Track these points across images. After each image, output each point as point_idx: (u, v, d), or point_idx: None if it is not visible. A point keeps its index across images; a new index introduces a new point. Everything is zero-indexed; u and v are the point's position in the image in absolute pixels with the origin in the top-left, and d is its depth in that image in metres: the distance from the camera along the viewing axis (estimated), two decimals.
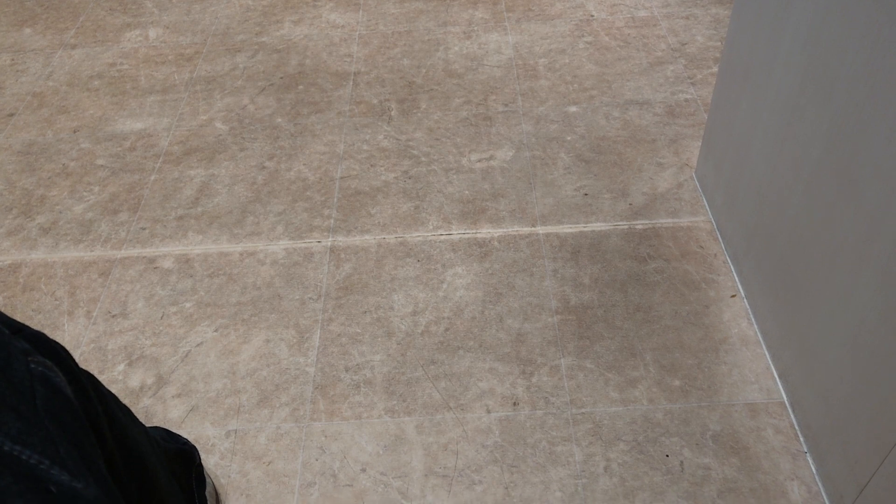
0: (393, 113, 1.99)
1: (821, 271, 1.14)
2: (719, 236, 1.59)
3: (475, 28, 2.30)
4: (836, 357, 1.12)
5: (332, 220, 1.69)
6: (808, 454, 1.22)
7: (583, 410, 1.31)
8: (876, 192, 0.98)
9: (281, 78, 2.14)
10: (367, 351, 1.43)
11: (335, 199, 1.75)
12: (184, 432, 1.32)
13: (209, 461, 1.28)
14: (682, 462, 1.23)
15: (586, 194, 1.72)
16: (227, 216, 1.73)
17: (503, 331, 1.44)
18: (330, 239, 1.65)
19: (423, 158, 1.84)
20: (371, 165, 1.83)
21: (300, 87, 2.10)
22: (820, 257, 1.14)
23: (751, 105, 1.38)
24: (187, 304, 1.54)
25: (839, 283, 1.09)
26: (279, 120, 1.99)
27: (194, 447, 1.19)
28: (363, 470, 1.25)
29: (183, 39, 2.34)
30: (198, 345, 1.46)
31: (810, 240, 1.17)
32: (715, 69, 2.07)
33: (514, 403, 1.33)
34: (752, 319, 1.43)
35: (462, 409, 1.32)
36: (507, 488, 1.21)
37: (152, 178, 1.85)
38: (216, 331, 1.48)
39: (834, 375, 1.13)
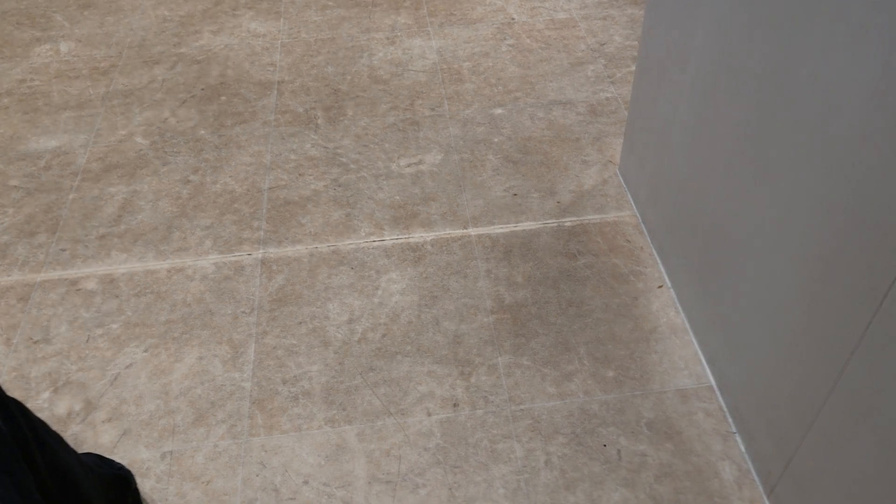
0: (319, 121, 1.98)
1: (740, 258, 1.19)
2: (644, 229, 1.64)
3: (398, 34, 2.31)
4: (757, 339, 1.17)
5: (261, 232, 1.67)
6: (736, 435, 1.28)
7: (521, 407, 1.33)
8: (787, 179, 1.03)
9: (202, 89, 2.10)
10: (303, 362, 1.41)
11: (264, 211, 1.72)
12: (116, 457, 1.28)
13: (145, 485, 1.24)
14: (619, 451, 1.26)
15: (515, 194, 1.75)
16: (153, 233, 1.68)
17: (440, 333, 1.45)
18: (261, 251, 1.63)
19: (352, 165, 1.83)
20: (299, 175, 1.81)
21: (223, 97, 2.07)
22: (739, 244, 1.19)
23: (667, 101, 1.43)
24: (114, 326, 1.49)
25: (758, 268, 1.14)
26: (202, 132, 1.95)
27: (129, 472, 1.16)
28: (305, 482, 1.24)
29: (97, 52, 2.26)
30: (127, 366, 1.42)
31: (729, 228, 1.22)
32: (633, 68, 2.13)
33: (454, 405, 1.34)
34: (679, 308, 1.48)
35: (403, 414, 1.32)
36: (450, 489, 1.22)
37: (70, 197, 1.78)
38: (146, 351, 1.44)
39: (757, 357, 1.18)
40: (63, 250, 1.65)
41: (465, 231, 1.66)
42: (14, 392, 1.37)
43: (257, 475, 1.25)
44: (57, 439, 0.89)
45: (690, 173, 1.36)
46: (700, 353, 1.40)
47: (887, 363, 0.85)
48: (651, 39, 1.48)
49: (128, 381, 1.39)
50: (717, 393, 1.34)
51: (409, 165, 1.83)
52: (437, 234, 1.65)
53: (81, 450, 1.29)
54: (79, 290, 1.56)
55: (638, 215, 1.68)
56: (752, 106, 1.10)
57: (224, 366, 1.41)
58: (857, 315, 0.90)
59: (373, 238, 1.65)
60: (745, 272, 1.18)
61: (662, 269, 1.56)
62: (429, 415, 1.32)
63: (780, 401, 1.12)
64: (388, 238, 1.65)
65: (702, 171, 1.30)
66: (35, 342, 1.46)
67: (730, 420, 1.30)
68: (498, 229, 1.66)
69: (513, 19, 2.36)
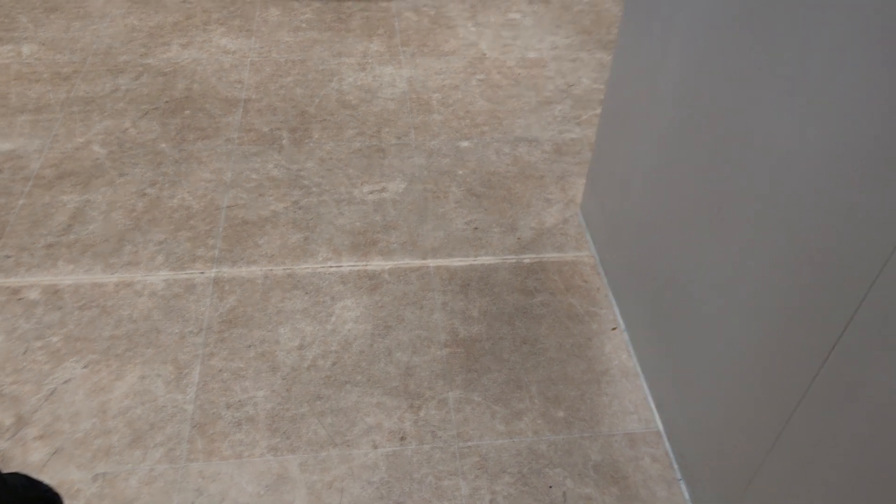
0: (284, 142, 1.96)
1: (693, 306, 1.21)
2: (602, 271, 1.65)
3: (370, 60, 2.31)
4: (706, 387, 1.17)
5: (216, 251, 1.64)
6: (681, 481, 1.28)
7: (469, 444, 1.31)
8: (743, 232, 1.04)
9: (166, 102, 2.07)
10: (250, 387, 1.38)
11: (220, 229, 1.69)
12: (45, 477, 1.22)
13: None
14: (564, 493, 1.25)
15: (476, 228, 1.75)
16: (103, 245, 1.63)
17: (392, 364, 1.43)
18: (214, 270, 1.59)
19: (314, 189, 1.82)
20: (260, 195, 1.79)
21: (187, 111, 2.04)
22: (693, 293, 1.21)
23: (630, 146, 1.45)
24: (54, 339, 1.44)
25: (710, 317, 1.15)
26: (163, 145, 1.92)
27: (57, 494, 1.10)
28: None
29: (60, 57, 2.22)
30: (65, 382, 1.36)
31: (684, 276, 1.23)
32: (599, 110, 2.16)
33: (402, 438, 1.31)
34: (632, 351, 1.49)
35: (348, 445, 1.30)
36: None
37: (20, 202, 1.73)
38: (86, 367, 1.39)
39: (704, 405, 1.19)
40: (7, 257, 1.59)
41: (423, 262, 1.65)
42: None
43: (193, 502, 1.20)
44: None
45: (649, 219, 1.37)
46: (650, 397, 1.40)
47: (829, 418, 0.86)
48: (617, 85, 1.50)
49: (65, 397, 1.34)
50: (665, 438, 1.34)
51: (371, 192, 1.82)
52: (396, 263, 1.64)
53: (8, 468, 1.23)
54: (20, 299, 1.51)
55: (596, 256, 1.69)
56: (711, 159, 1.12)
57: (167, 386, 1.37)
58: (803, 370, 0.91)
59: (330, 263, 1.63)
60: (697, 320, 1.19)
61: (617, 312, 1.56)
62: (375, 447, 1.30)
63: (726, 450, 1.12)
64: (345, 264, 1.63)
65: (660, 217, 1.32)
66: None
67: (675, 466, 1.30)
68: (457, 262, 1.66)
69: (484, 55, 2.38)
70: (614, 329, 1.53)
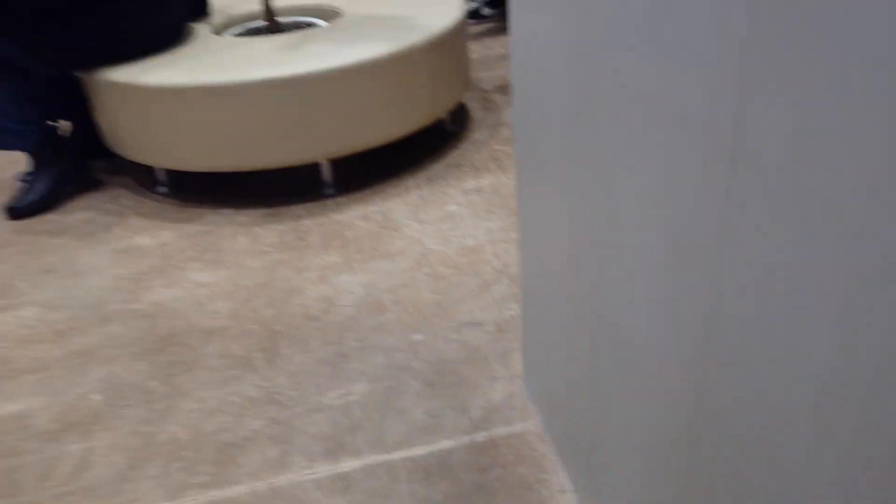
0: (258, 363, 2.22)
1: (623, 467, 1.42)
2: (548, 437, 1.86)
3: (328, 272, 2.63)
4: None
5: (206, 476, 1.84)
6: None
7: None
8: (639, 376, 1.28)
9: (153, 342, 2.34)
10: None
11: (208, 455, 1.90)
12: None
13: None
14: None
15: (433, 416, 1.97)
16: (107, 487, 1.84)
17: None
18: (206, 495, 1.79)
19: (287, 402, 2.05)
20: (240, 416, 2.02)
21: (171, 348, 2.31)
22: (613, 447, 1.42)
23: (553, 315, 1.72)
24: None
25: (634, 473, 1.36)
26: (152, 383, 2.17)
27: None
28: None
29: (57, 316, 2.51)
30: None
31: (606, 432, 1.46)
32: None
33: None
34: None
35: None
36: None
37: (29, 459, 1.94)
38: None
39: None
40: None
41: (389, 456, 1.86)
42: None
43: None
44: None
45: (580, 382, 1.61)
46: None
47: None
48: (528, 262, 1.79)
49: None
50: None
51: (338, 397, 2.06)
52: (364, 461, 1.85)
53: None
54: None
55: (541, 425, 1.91)
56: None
57: None
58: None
59: (306, 472, 1.83)
60: (630, 481, 1.40)
61: (565, 475, 1.76)
62: None
63: None
64: (319, 470, 1.83)
65: (590, 378, 1.56)
66: None
67: None
68: (418, 451, 1.87)
69: (428, 249, 2.71)
70: (562, 492, 1.72)
